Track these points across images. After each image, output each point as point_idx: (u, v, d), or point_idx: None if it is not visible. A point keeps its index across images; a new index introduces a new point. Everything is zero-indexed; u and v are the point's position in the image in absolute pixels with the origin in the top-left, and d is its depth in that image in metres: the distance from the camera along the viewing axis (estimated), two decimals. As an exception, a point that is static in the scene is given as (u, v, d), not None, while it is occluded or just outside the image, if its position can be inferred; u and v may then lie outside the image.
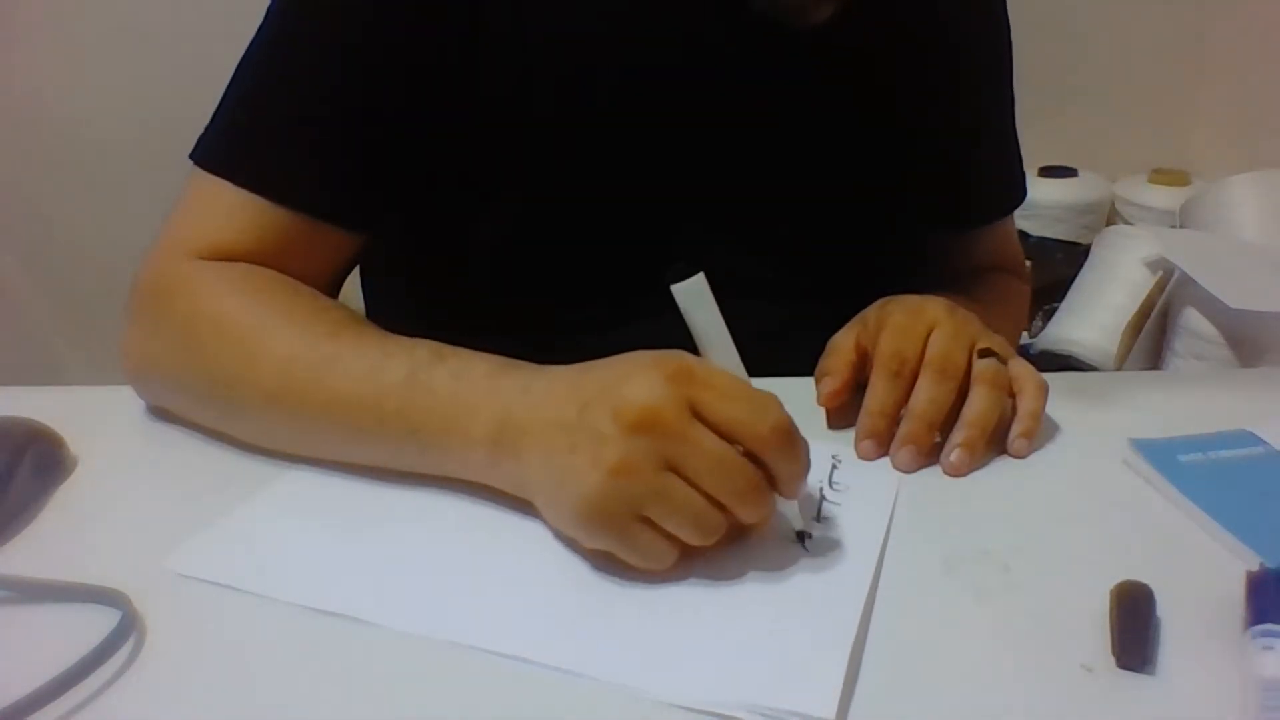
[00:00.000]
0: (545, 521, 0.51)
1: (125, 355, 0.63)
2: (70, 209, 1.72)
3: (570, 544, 0.51)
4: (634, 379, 0.47)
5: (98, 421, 0.62)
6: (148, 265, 0.63)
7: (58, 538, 0.53)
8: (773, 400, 0.48)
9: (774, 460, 0.48)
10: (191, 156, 0.64)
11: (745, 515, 0.48)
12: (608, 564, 0.48)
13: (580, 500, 0.47)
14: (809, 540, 0.51)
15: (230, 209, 0.62)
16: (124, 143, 1.63)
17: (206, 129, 0.65)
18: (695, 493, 0.46)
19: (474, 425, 0.51)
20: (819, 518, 0.54)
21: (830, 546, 0.51)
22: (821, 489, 0.56)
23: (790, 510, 0.51)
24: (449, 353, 0.55)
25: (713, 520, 0.47)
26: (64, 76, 1.68)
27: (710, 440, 0.46)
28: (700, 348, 0.50)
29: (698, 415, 0.46)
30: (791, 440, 0.48)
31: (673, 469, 0.46)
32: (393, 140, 0.65)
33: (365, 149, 0.64)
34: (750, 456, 0.47)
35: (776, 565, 0.49)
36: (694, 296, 0.49)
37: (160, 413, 0.63)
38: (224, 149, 0.64)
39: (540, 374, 0.52)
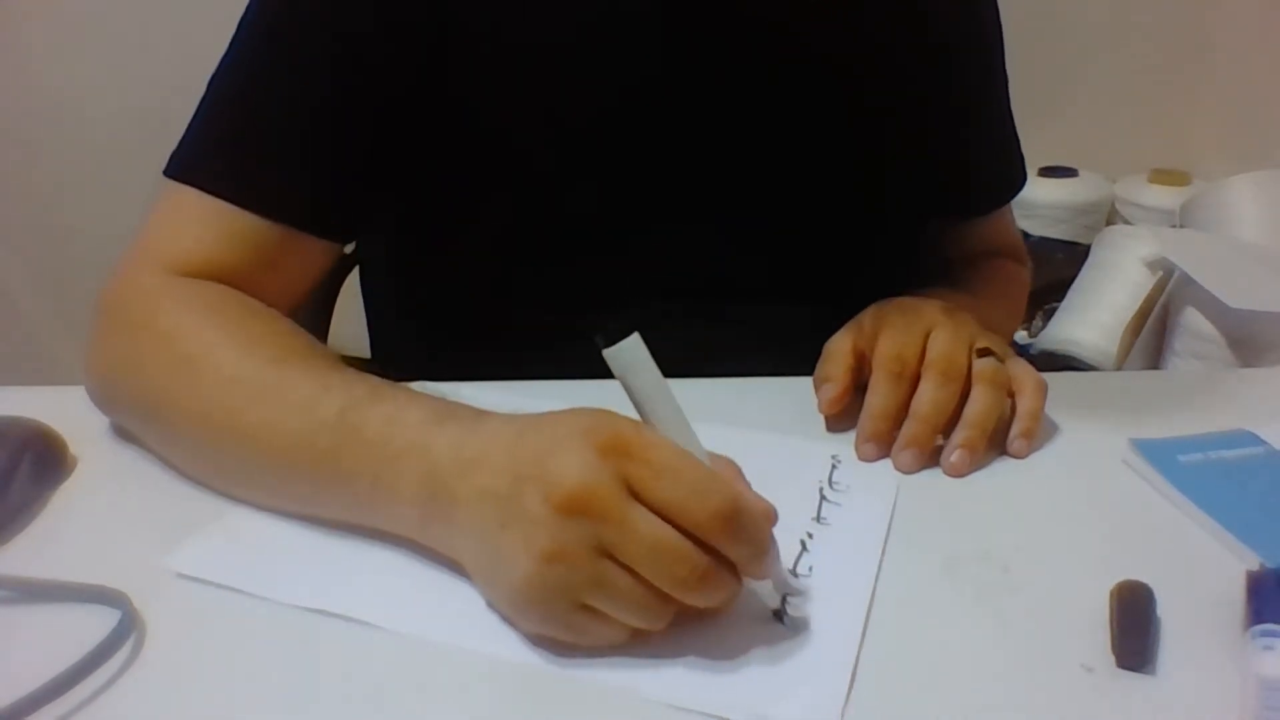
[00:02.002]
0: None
1: (85, 369, 0.61)
2: (70, 209, 1.73)
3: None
4: (564, 453, 0.43)
5: (98, 421, 0.62)
6: (115, 277, 0.62)
7: (58, 538, 0.53)
8: (716, 479, 0.43)
9: (722, 547, 0.42)
10: (165, 172, 0.63)
11: (698, 603, 0.43)
12: (549, 645, 0.44)
13: (513, 587, 0.43)
14: (787, 617, 0.46)
15: (201, 219, 0.61)
16: (125, 143, 1.63)
17: (179, 145, 0.64)
18: (636, 580, 0.42)
19: (403, 482, 0.48)
20: (819, 519, 0.54)
21: (831, 547, 0.51)
22: (821, 489, 0.56)
23: (763, 588, 0.46)
24: (388, 394, 0.51)
25: (656, 607, 0.43)
26: (66, 76, 1.68)
27: (647, 524, 0.41)
28: (641, 415, 0.44)
29: (633, 494, 0.42)
30: (737, 524, 0.42)
31: (609, 555, 0.42)
32: (368, 150, 0.65)
33: (338, 158, 0.64)
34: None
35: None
36: (629, 360, 0.43)
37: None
38: (195, 160, 0.63)
39: (477, 430, 0.48)
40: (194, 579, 0.48)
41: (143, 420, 0.59)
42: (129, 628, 0.44)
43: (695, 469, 0.43)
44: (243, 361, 0.55)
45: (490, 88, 0.65)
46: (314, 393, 0.52)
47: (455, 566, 0.48)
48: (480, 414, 0.49)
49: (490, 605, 0.46)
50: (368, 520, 0.50)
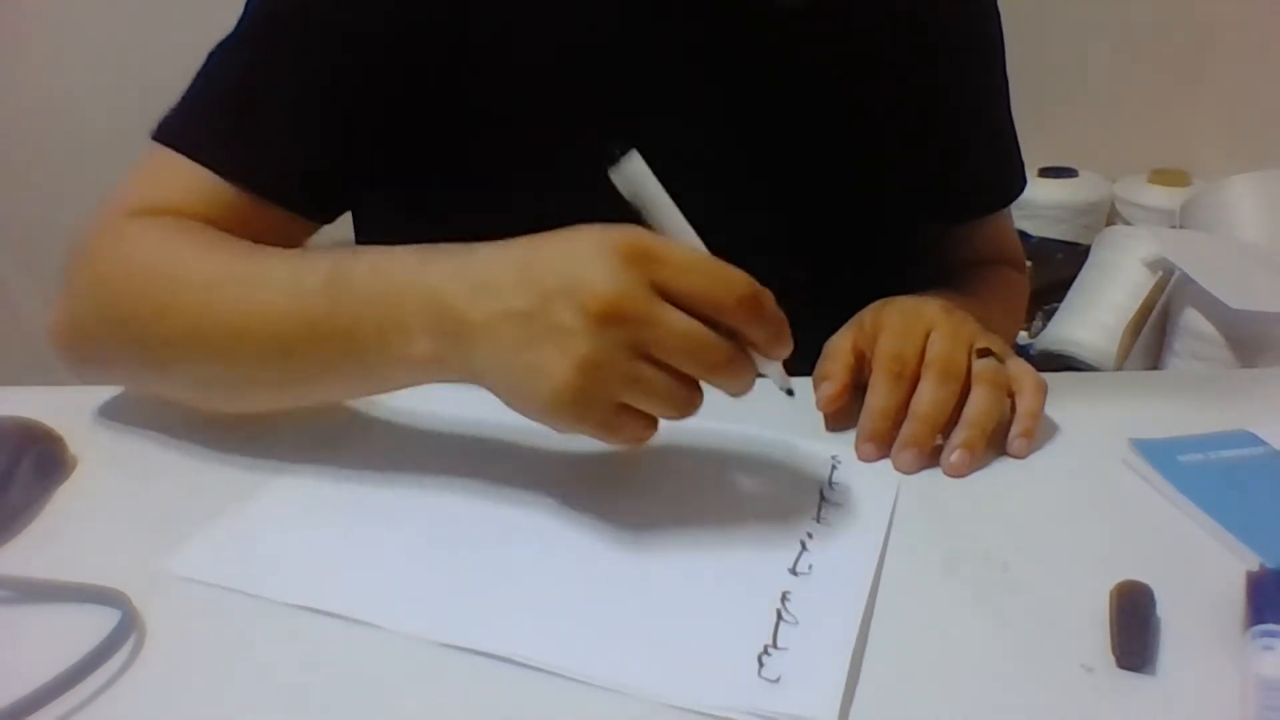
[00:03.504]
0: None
1: (51, 325, 0.60)
2: (70, 209, 1.72)
3: (572, 546, 0.51)
4: (592, 266, 0.45)
5: (98, 421, 0.62)
6: (85, 229, 0.62)
7: (58, 538, 0.53)
8: (734, 271, 0.47)
9: (747, 329, 0.47)
10: (152, 135, 0.63)
11: (726, 388, 0.48)
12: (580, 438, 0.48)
13: (553, 394, 0.46)
14: (792, 395, 0.53)
15: (179, 179, 0.61)
16: (125, 143, 1.63)
17: (168, 112, 0.64)
18: (669, 376, 0.46)
19: (410, 320, 0.49)
20: (819, 519, 0.54)
21: (831, 546, 0.51)
22: (821, 490, 0.56)
23: (773, 371, 0.51)
24: (367, 248, 0.52)
25: (688, 397, 0.47)
26: (66, 76, 1.68)
27: (679, 321, 0.45)
28: (653, 226, 0.49)
29: (662, 293, 0.45)
30: (760, 306, 0.47)
31: (644, 355, 0.45)
32: (361, 139, 0.65)
33: (327, 143, 0.64)
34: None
35: (777, 567, 0.49)
36: (636, 176, 0.48)
37: (160, 413, 0.62)
38: (181, 126, 0.63)
39: (473, 257, 0.49)
40: (194, 579, 0.48)
41: (123, 356, 0.58)
42: (129, 628, 0.44)
43: (714, 263, 0.46)
44: (216, 267, 0.55)
45: (493, 86, 0.65)
46: (294, 268, 0.53)
47: (466, 569, 0.48)
48: (469, 246, 0.50)
49: (524, 415, 0.48)
50: (381, 376, 0.52)
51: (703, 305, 0.46)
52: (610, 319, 0.44)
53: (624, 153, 0.47)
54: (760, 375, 0.50)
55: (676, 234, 0.48)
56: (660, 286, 0.45)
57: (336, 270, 0.51)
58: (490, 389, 0.49)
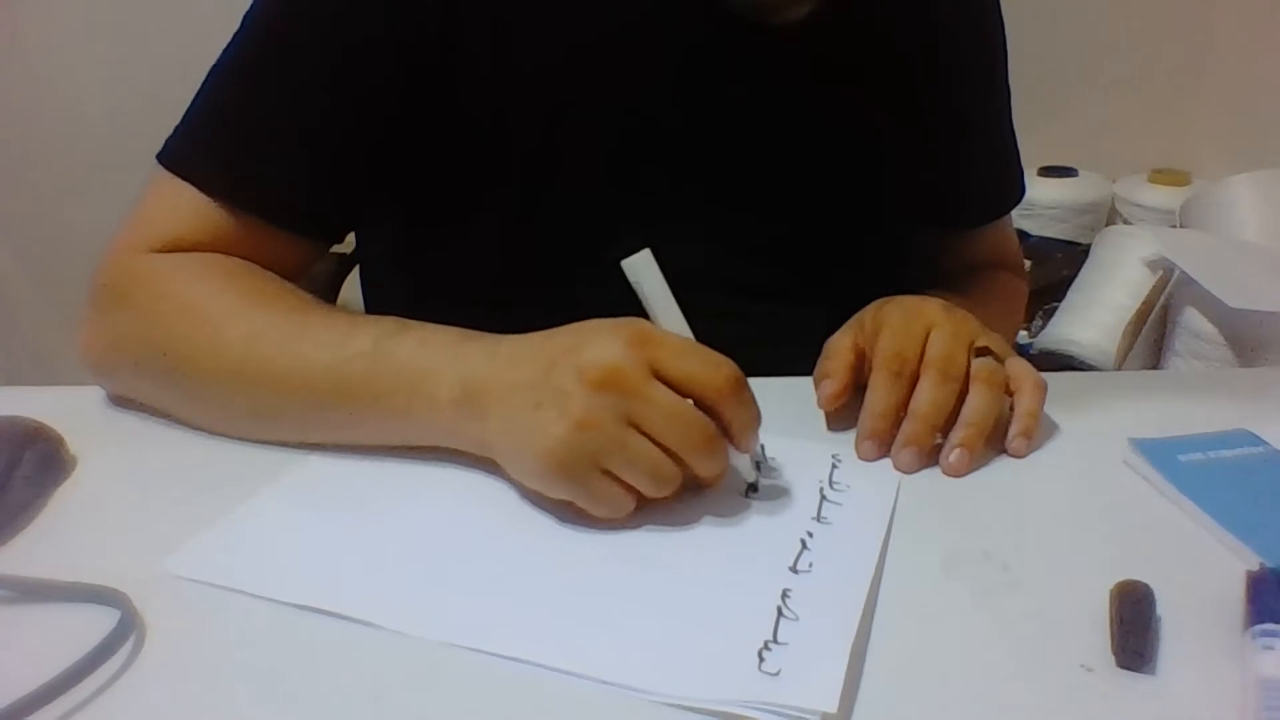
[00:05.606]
0: (513, 483, 0.54)
1: (85, 347, 0.63)
2: (70, 208, 1.73)
3: (572, 544, 0.51)
4: (596, 342, 0.50)
5: (98, 421, 0.62)
6: (107, 260, 0.64)
7: (58, 538, 0.53)
8: (724, 358, 0.51)
9: (729, 411, 0.51)
10: (158, 157, 0.64)
11: (700, 467, 0.51)
12: (568, 514, 0.52)
13: (545, 452, 0.49)
14: (755, 492, 0.55)
15: (192, 210, 0.63)
16: (125, 142, 1.63)
17: (174, 132, 0.65)
18: (653, 446, 0.49)
19: (438, 389, 0.53)
20: (819, 517, 0.54)
21: (831, 544, 0.51)
22: (822, 488, 0.56)
23: (742, 463, 0.54)
24: (414, 324, 0.57)
25: (668, 472, 0.50)
26: (65, 75, 1.68)
27: (668, 397, 0.49)
28: (651, 316, 0.53)
29: (656, 374, 0.49)
30: (744, 391, 0.51)
31: (633, 425, 0.49)
32: (363, 156, 0.66)
33: (331, 163, 0.65)
34: (704, 412, 0.50)
35: (778, 565, 0.50)
36: (642, 269, 0.53)
37: (162, 413, 0.63)
38: (190, 151, 0.64)
39: (503, 340, 0.54)
40: (194, 579, 0.48)
41: (158, 383, 0.61)
42: (129, 628, 0.44)
43: (707, 351, 0.51)
44: (266, 315, 0.59)
45: (492, 90, 0.65)
46: (343, 331, 0.57)
47: (465, 569, 0.48)
48: (497, 336, 0.55)
49: (517, 484, 0.53)
50: (399, 434, 0.56)
51: (693, 387, 0.50)
52: (604, 386, 0.48)
53: (638, 249, 0.53)
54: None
55: (674, 326, 0.53)
56: (655, 367, 0.49)
57: (383, 340, 0.56)
58: (495, 455, 0.53)
